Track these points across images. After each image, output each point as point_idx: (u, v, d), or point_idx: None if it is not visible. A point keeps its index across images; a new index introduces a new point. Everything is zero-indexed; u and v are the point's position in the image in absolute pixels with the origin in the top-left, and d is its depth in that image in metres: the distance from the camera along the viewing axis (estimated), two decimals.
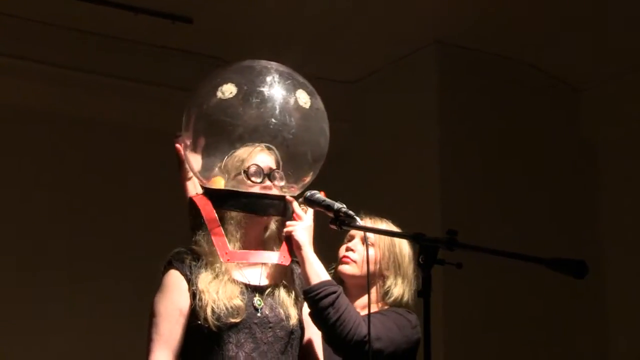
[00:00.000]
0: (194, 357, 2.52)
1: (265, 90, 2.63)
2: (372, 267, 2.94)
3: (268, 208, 2.61)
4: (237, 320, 2.49)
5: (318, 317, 2.62)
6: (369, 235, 2.97)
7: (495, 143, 5.51)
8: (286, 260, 2.61)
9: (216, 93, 2.62)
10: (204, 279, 2.53)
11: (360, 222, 2.60)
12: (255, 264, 2.63)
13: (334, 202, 2.61)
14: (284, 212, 2.65)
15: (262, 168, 2.59)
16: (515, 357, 5.22)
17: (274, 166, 2.63)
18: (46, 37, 5.11)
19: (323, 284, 2.60)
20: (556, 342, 5.38)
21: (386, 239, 3.01)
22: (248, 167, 2.58)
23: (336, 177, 5.26)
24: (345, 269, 3.02)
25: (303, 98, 2.67)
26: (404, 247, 3.04)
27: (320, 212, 2.66)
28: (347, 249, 3.05)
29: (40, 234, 5.21)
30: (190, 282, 2.53)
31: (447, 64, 5.51)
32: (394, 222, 3.07)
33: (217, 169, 2.63)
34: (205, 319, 2.48)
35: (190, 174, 2.76)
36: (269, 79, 2.65)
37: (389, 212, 3.10)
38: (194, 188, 2.77)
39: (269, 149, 2.63)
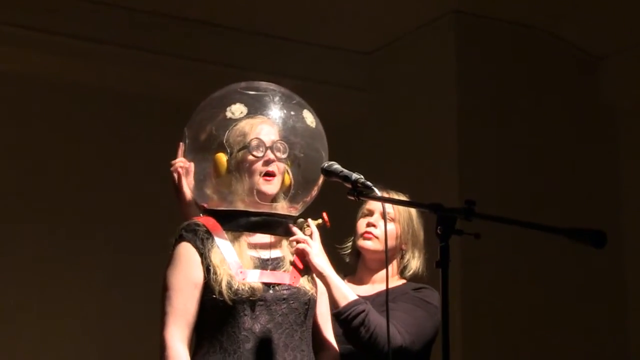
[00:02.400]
0: (209, 330, 2.52)
1: (275, 110, 2.64)
2: (392, 242, 2.97)
3: (276, 227, 2.62)
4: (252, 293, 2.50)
5: (351, 337, 2.69)
6: (389, 210, 2.97)
7: (513, 112, 5.46)
8: (296, 281, 2.61)
9: (225, 113, 2.61)
10: (217, 253, 2.53)
11: (378, 192, 2.59)
12: (265, 238, 2.63)
13: (351, 172, 2.59)
14: (292, 232, 2.66)
15: (263, 141, 2.58)
16: (533, 328, 5.21)
17: (276, 137, 2.61)
18: (64, 8, 5.08)
19: (351, 304, 2.67)
20: (575, 312, 5.35)
21: (405, 213, 3.01)
22: (249, 142, 2.57)
23: (354, 147, 5.27)
24: (368, 244, 3.02)
25: (309, 118, 2.68)
26: (419, 219, 3.05)
27: (323, 225, 2.70)
28: (369, 224, 3.03)
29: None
30: (204, 255, 2.52)
31: (465, 33, 5.45)
32: (411, 193, 3.05)
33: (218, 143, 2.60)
34: (220, 293, 2.47)
35: (189, 199, 2.70)
36: (276, 98, 2.66)
37: (406, 182, 3.09)
38: (194, 212, 2.70)
39: (270, 119, 2.62)
